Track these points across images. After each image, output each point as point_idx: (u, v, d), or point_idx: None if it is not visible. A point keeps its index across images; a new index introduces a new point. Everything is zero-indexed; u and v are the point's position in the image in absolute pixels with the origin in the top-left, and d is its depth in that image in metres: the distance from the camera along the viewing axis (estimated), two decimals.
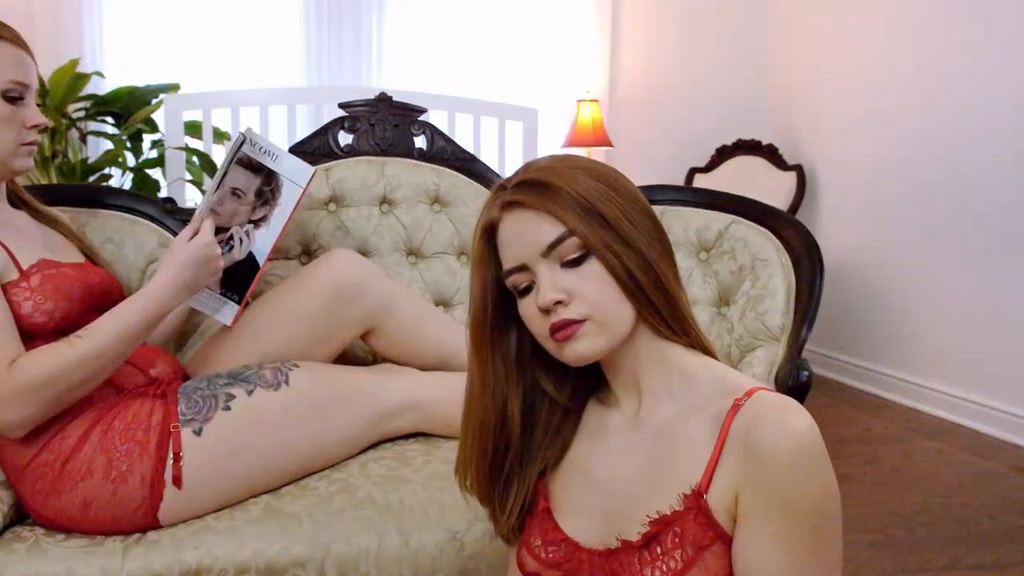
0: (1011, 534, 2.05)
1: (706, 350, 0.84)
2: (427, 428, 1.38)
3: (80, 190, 1.60)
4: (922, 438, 2.80)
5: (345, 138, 1.71)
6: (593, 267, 0.78)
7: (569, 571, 0.83)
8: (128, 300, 1.18)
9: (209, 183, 1.37)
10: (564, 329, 0.78)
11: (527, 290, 0.81)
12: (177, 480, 1.12)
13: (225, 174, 1.30)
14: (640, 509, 0.78)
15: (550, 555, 0.85)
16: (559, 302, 0.78)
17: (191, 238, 1.24)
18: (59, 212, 1.39)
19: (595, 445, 0.87)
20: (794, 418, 0.72)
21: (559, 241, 0.78)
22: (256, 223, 1.35)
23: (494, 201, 0.84)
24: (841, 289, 3.49)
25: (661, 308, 0.80)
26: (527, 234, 0.80)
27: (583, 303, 0.78)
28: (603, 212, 0.78)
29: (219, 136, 2.95)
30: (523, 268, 0.81)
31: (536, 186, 0.80)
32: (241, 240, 1.33)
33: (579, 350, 0.79)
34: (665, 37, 3.97)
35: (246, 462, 1.17)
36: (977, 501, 2.24)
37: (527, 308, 0.81)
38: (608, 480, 0.84)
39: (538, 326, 0.81)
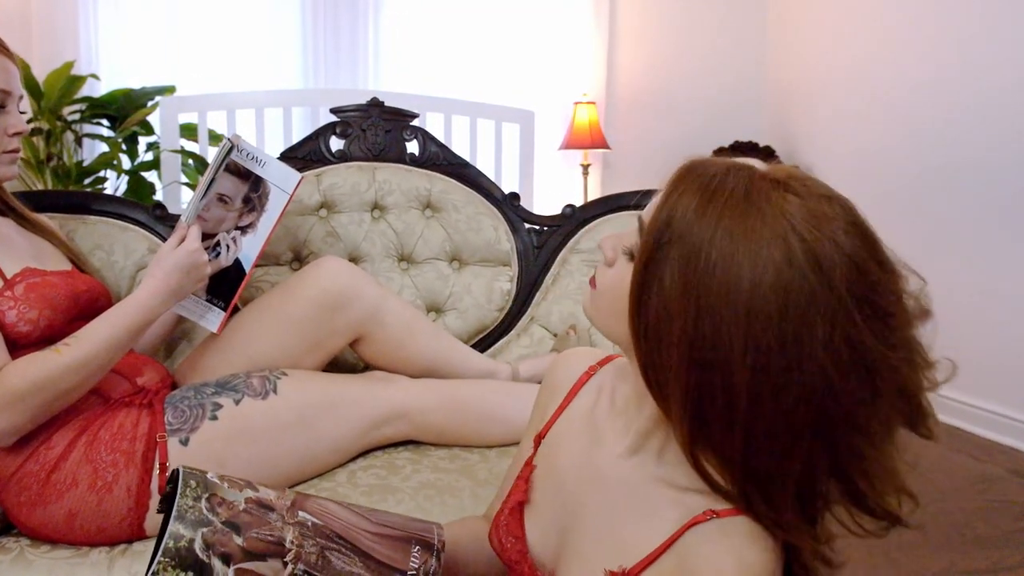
0: (1006, 538, 2.04)
1: None
2: (417, 436, 1.38)
3: (69, 196, 1.59)
4: (918, 441, 2.78)
5: (337, 143, 1.71)
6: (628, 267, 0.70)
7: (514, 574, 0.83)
8: (115, 307, 1.18)
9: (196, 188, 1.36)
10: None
11: None
12: (163, 491, 1.11)
13: (212, 181, 1.29)
14: (586, 549, 0.76)
15: (507, 546, 0.85)
16: (603, 249, 0.74)
17: (178, 245, 1.24)
18: (47, 219, 1.39)
19: (585, 458, 0.83)
20: (735, 568, 0.63)
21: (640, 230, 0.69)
22: (243, 229, 1.35)
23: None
24: None
25: (646, 362, 0.67)
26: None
27: (606, 277, 0.73)
28: (705, 259, 0.62)
29: (215, 139, 2.94)
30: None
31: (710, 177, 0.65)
32: (228, 246, 1.32)
33: (583, 302, 0.78)
34: (662, 39, 3.96)
35: (233, 472, 1.16)
36: (972, 505, 2.24)
37: None
38: (577, 500, 0.81)
39: None
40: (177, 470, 0.74)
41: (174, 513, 0.69)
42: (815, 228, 0.60)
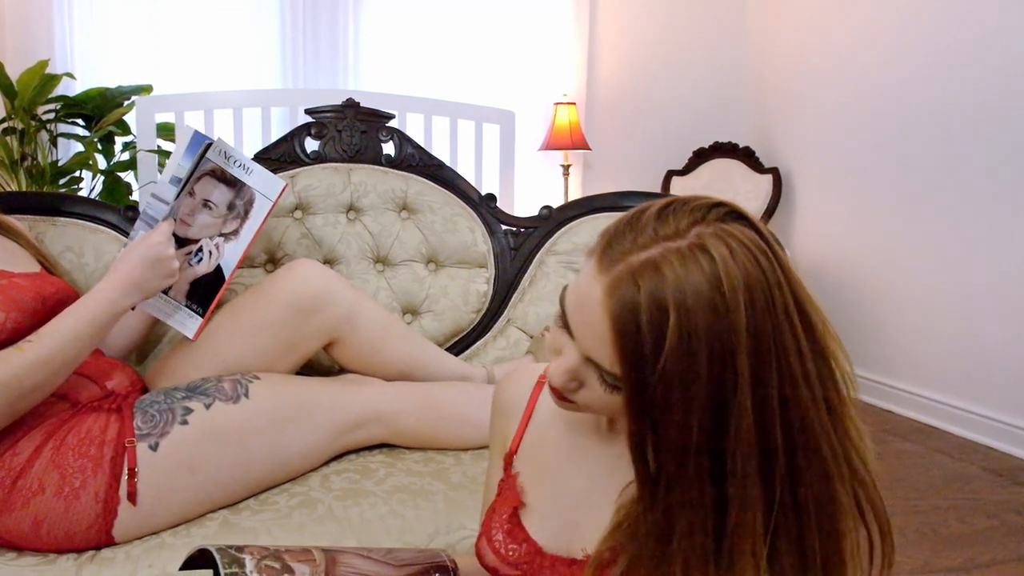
0: (979, 536, 2.06)
1: None
2: (391, 439, 1.37)
3: (39, 198, 1.57)
4: (897, 440, 2.82)
5: (312, 144, 1.70)
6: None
7: (528, 572, 0.82)
8: (77, 302, 1.16)
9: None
10: None
11: None
12: (132, 496, 1.10)
13: (187, 181, 1.28)
14: (600, 526, 0.75)
15: (510, 553, 0.84)
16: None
17: None
18: (15, 221, 1.37)
19: (573, 451, 0.84)
20: None
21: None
22: (226, 236, 1.34)
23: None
24: (816, 291, 3.49)
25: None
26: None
27: (581, 397, 0.73)
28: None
29: None
30: None
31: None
32: (211, 252, 1.32)
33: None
34: (642, 40, 3.97)
35: (204, 477, 1.15)
36: (947, 503, 2.26)
37: None
38: (582, 491, 0.82)
39: None
40: (215, 560, 0.76)
41: None
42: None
